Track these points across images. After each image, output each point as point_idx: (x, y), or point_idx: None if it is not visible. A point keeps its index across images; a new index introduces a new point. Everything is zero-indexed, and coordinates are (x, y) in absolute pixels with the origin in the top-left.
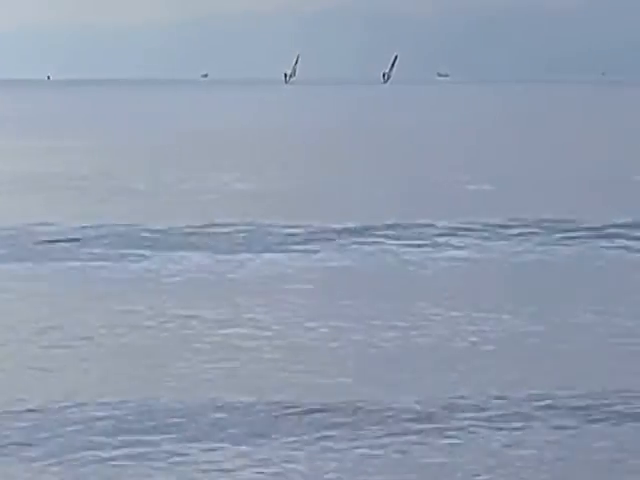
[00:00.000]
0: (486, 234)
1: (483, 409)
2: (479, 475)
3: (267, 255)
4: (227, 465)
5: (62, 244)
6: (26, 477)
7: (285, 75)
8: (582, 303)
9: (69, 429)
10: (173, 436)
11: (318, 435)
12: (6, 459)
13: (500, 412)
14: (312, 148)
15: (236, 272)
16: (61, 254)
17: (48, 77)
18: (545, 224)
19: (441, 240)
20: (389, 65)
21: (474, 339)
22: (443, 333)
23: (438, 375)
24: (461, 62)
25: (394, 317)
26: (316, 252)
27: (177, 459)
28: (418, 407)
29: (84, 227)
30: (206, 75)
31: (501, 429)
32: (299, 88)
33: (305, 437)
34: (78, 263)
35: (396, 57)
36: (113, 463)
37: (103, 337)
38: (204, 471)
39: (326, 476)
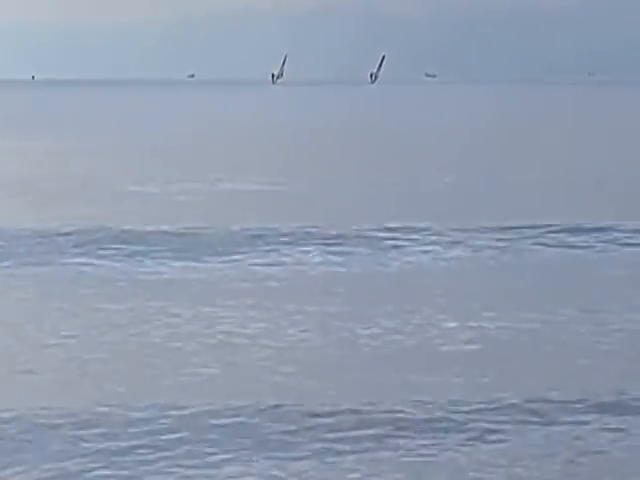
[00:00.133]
0: (462, 236)
1: (477, 411)
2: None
3: (253, 255)
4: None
5: (41, 246)
6: None
7: (272, 75)
8: (567, 303)
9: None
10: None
11: (316, 440)
12: None
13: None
14: (298, 149)
15: (219, 274)
16: (39, 257)
17: (32, 77)
18: (524, 226)
19: (425, 241)
20: (377, 65)
21: (462, 341)
22: (432, 335)
23: (429, 377)
24: (449, 62)
25: (377, 319)
26: (303, 253)
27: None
28: (413, 410)
29: (63, 228)
30: (193, 75)
31: (495, 431)
32: (286, 89)
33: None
34: (54, 265)
35: (384, 57)
36: (96, 473)
37: (79, 338)
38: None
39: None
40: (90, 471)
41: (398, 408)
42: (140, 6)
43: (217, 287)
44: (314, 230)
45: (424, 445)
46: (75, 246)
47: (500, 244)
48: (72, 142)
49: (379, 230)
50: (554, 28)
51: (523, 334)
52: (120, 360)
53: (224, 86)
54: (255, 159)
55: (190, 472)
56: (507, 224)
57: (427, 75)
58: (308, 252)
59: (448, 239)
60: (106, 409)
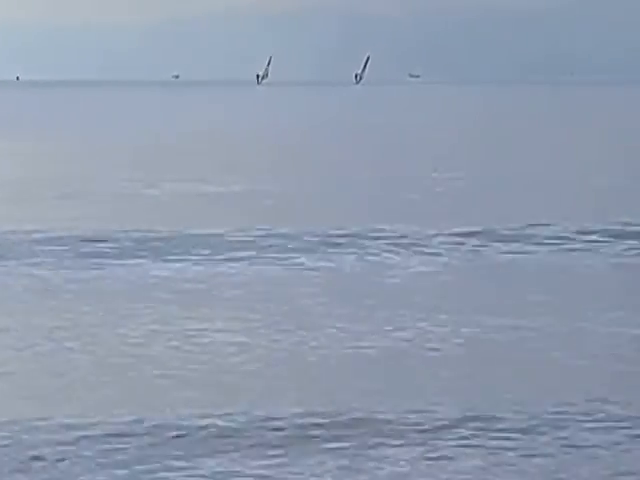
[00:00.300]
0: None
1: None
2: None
3: (234, 259)
4: None
5: (12, 250)
6: None
7: (257, 76)
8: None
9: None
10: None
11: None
12: None
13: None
14: (281, 150)
15: (196, 279)
16: (6, 261)
17: (17, 78)
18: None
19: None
20: (361, 66)
21: (446, 346)
22: (413, 341)
23: (414, 383)
24: (433, 63)
25: (354, 323)
26: (289, 259)
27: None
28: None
29: (36, 231)
30: (177, 76)
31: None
32: (271, 89)
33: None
34: (28, 269)
35: (368, 58)
36: None
37: (50, 345)
38: None
39: None
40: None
41: (389, 417)
42: (124, 7)
43: (189, 291)
44: (292, 232)
45: (405, 452)
46: (44, 251)
47: (486, 249)
48: (50, 143)
49: (362, 233)
50: (538, 29)
51: (494, 340)
52: (85, 367)
53: (209, 87)
54: (238, 160)
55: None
56: (482, 228)
57: (411, 76)
58: (294, 257)
59: (423, 243)
60: (89, 420)
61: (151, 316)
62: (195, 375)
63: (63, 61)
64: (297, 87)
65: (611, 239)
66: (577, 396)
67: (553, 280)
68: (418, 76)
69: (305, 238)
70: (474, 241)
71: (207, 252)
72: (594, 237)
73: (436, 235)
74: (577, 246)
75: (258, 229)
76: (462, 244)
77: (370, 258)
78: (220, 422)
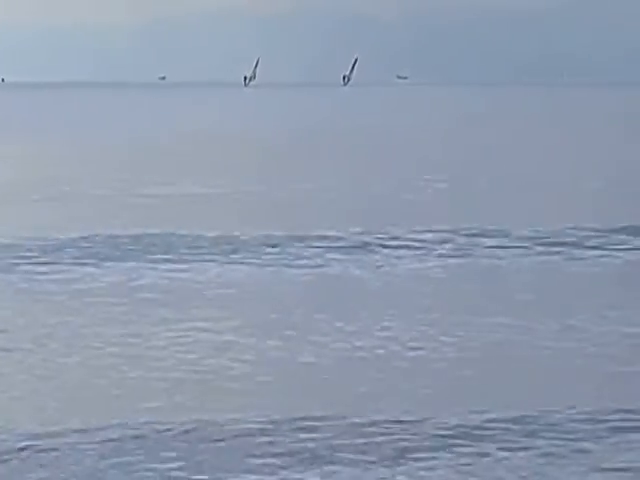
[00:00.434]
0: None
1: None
2: None
3: (211, 263)
4: None
5: None
6: None
7: (245, 78)
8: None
9: None
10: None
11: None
12: None
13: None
14: (268, 152)
15: (179, 282)
16: None
17: (2, 80)
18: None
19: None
20: (349, 67)
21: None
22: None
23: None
24: (421, 64)
25: (343, 324)
26: (276, 260)
27: None
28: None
29: (20, 235)
30: (164, 78)
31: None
32: (259, 91)
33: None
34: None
35: (356, 59)
36: None
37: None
38: None
39: None
40: None
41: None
42: (112, 9)
43: (181, 293)
44: (277, 233)
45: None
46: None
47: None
48: (35, 146)
49: (349, 235)
50: (526, 30)
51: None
52: (76, 371)
53: (195, 88)
54: (224, 162)
55: None
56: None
57: (399, 77)
58: (274, 259)
59: (412, 244)
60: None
61: (136, 317)
62: (181, 377)
63: (49, 63)
64: (284, 89)
65: (601, 238)
66: (574, 396)
67: (543, 280)
68: (406, 78)
69: (291, 239)
70: (463, 239)
71: (193, 253)
72: (584, 234)
73: (425, 234)
74: (564, 248)
75: (244, 230)
76: (450, 242)
77: (357, 259)
78: (209, 427)
